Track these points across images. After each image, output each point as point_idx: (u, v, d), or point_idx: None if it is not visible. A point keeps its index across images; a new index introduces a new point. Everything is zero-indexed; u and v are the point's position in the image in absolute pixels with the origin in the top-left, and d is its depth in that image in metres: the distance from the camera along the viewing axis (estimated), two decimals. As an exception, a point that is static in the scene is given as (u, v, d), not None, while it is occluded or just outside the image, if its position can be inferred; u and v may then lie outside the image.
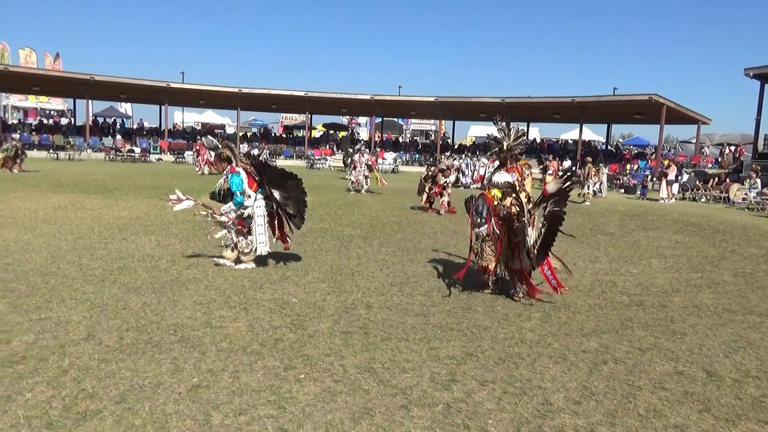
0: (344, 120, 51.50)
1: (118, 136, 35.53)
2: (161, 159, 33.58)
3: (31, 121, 41.80)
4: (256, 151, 19.54)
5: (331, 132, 45.35)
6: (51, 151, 31.00)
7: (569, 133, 45.63)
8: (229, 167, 6.94)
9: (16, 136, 27.59)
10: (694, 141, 33.49)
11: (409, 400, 3.55)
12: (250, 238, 6.94)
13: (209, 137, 8.09)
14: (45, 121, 40.83)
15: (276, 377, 3.81)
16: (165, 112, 36.93)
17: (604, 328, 5.20)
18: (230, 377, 3.77)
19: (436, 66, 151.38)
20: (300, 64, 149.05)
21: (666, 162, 23.26)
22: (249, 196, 6.86)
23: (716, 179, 23.62)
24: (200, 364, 3.96)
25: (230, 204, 6.86)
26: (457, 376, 3.96)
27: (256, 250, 6.93)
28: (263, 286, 6.17)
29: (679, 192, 22.41)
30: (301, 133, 44.33)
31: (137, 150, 33.55)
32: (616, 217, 14.81)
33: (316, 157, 35.32)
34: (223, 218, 6.96)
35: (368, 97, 35.84)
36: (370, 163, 18.85)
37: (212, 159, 7.21)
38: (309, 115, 40.30)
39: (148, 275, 6.38)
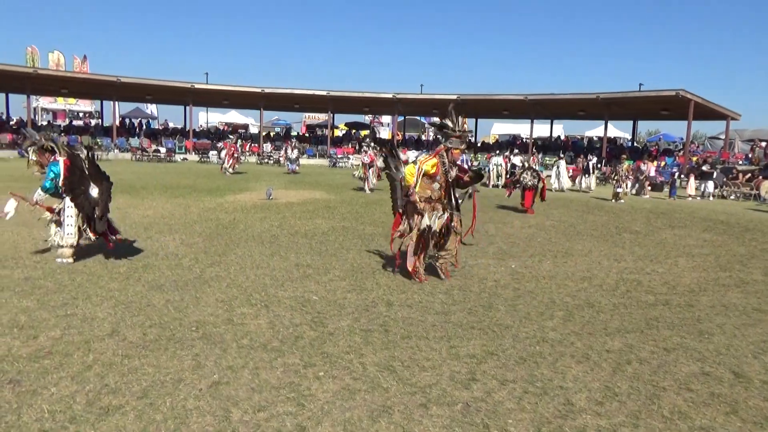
0: (367, 119, 51.57)
1: (144, 137, 36.09)
2: (186, 159, 34.03)
3: (60, 122, 42.74)
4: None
5: (353, 131, 45.44)
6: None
7: (594, 130, 44.99)
8: (52, 157, 6.96)
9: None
10: (723, 137, 32.74)
11: (429, 398, 3.53)
12: (65, 230, 6.90)
13: (30, 130, 8.16)
14: (74, 123, 41.66)
15: (295, 374, 3.82)
16: (189, 113, 37.40)
17: (629, 328, 5.11)
18: (250, 374, 3.79)
19: (458, 64, 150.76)
20: (322, 64, 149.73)
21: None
22: (60, 187, 6.83)
23: (746, 176, 23.04)
24: (221, 361, 3.99)
25: (38, 189, 6.92)
26: (477, 375, 3.93)
27: (72, 244, 6.89)
28: (284, 283, 6.21)
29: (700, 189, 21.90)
30: (323, 132, 44.50)
31: (163, 150, 34.05)
32: (641, 215, 14.55)
33: (339, 156, 35.42)
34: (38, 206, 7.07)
35: (390, 96, 35.79)
36: (368, 160, 18.51)
37: (33, 154, 7.15)
38: (331, 114, 40.43)
39: (171, 273, 6.47)
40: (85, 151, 7.19)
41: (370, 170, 18.29)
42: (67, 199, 6.90)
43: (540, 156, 29.78)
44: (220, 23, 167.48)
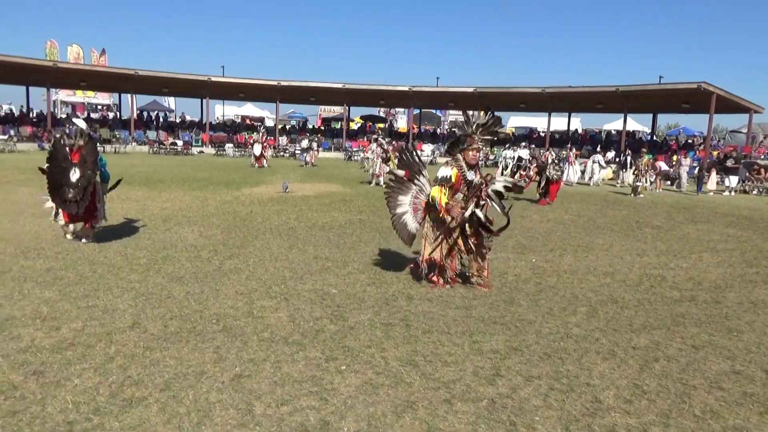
0: (382, 112, 51.40)
1: (161, 130, 36.33)
2: (203, 151, 34.18)
3: (79, 115, 43.14)
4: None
5: (369, 124, 45.33)
6: (98, 144, 31.91)
7: (612, 123, 44.42)
8: None
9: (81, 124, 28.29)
10: (745, 131, 32.13)
11: (453, 394, 3.48)
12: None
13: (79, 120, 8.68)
14: (92, 115, 42.05)
15: (317, 368, 3.79)
16: (206, 106, 37.56)
17: (654, 324, 5.01)
18: (272, 367, 3.77)
19: (475, 56, 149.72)
20: (338, 57, 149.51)
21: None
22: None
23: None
24: (242, 354, 3.97)
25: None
26: (502, 370, 3.86)
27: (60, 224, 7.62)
28: (303, 276, 6.18)
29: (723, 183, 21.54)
30: (339, 125, 44.46)
31: (180, 143, 34.21)
32: (662, 209, 14.32)
33: (354, 149, 35.36)
34: None
35: (406, 89, 35.58)
36: (381, 152, 18.31)
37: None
38: (347, 108, 40.35)
39: (191, 265, 6.47)
40: (85, 138, 7.58)
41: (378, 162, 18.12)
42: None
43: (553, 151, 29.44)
44: (237, 17, 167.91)
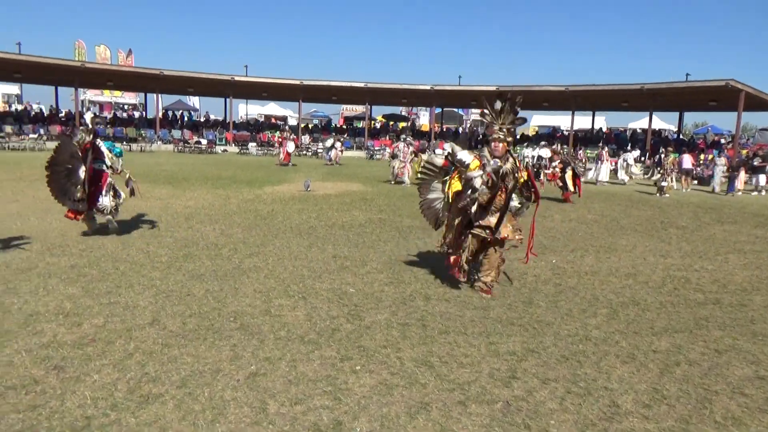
0: (403, 111, 51.32)
1: (186, 129, 36.82)
2: (226, 150, 34.54)
3: (106, 114, 43.96)
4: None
5: (391, 123, 45.31)
6: (124, 143, 32.47)
7: (638, 121, 43.67)
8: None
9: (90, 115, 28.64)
10: (776, 129, 31.31)
11: (467, 396, 3.45)
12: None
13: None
14: (119, 115, 42.80)
15: (332, 368, 3.80)
16: (230, 105, 37.94)
17: (677, 327, 4.91)
18: (287, 366, 3.78)
19: (497, 55, 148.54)
20: (360, 56, 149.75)
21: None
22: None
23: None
24: (258, 352, 4.00)
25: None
26: (518, 372, 3.82)
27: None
28: (322, 275, 6.20)
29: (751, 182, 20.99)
30: (361, 124, 44.53)
31: (204, 141, 34.63)
32: (688, 209, 14.04)
33: (376, 148, 35.39)
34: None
35: (428, 88, 35.47)
36: (409, 152, 18.32)
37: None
38: (369, 106, 40.40)
39: (211, 263, 6.54)
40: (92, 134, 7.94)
41: (396, 162, 18.18)
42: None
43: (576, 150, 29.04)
44: (260, 17, 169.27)
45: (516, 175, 5.53)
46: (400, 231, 9.19)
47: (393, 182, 17.72)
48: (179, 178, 16.60)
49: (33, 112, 35.76)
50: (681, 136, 37.83)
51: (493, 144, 5.49)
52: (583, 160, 19.42)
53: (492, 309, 5.21)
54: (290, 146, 24.82)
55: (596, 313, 5.22)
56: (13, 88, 46.71)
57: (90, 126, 8.08)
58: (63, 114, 36.09)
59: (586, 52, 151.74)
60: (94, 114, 32.20)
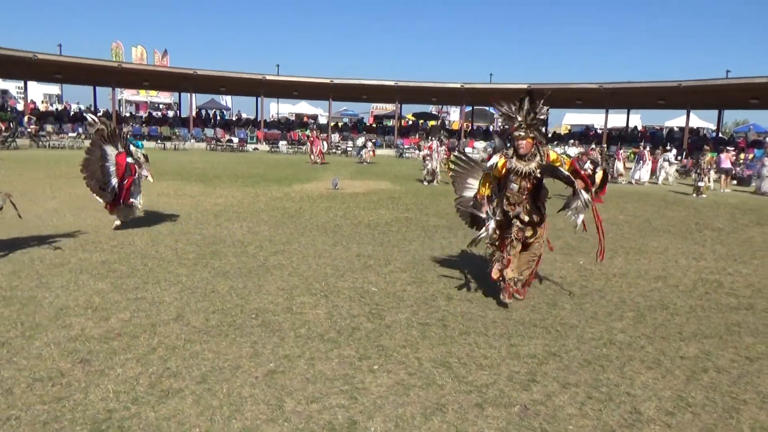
0: (433, 109, 51.12)
1: (218, 127, 37.42)
2: (257, 148, 34.99)
3: (142, 113, 44.99)
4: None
5: (421, 121, 45.19)
6: (159, 141, 33.21)
7: (675, 120, 42.55)
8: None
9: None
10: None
11: (485, 398, 3.42)
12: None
13: (90, 117, 9.75)
14: (154, 114, 43.76)
15: (350, 366, 3.80)
16: (261, 104, 38.46)
17: (707, 333, 4.76)
18: (306, 364, 3.81)
19: (530, 52, 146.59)
20: (390, 54, 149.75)
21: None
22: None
23: None
24: (278, 350, 4.03)
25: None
26: (538, 376, 3.76)
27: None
28: (345, 274, 6.22)
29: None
30: (390, 123, 44.54)
31: (235, 140, 35.17)
32: (725, 210, 13.62)
33: (405, 147, 35.36)
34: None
35: (458, 86, 35.29)
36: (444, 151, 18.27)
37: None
38: (399, 105, 40.38)
39: (236, 260, 6.62)
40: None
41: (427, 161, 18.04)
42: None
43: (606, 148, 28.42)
44: (291, 16, 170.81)
45: (534, 173, 5.30)
46: (426, 230, 9.16)
47: (433, 181, 17.56)
48: (210, 176, 16.88)
49: (72, 112, 36.86)
50: (720, 135, 36.72)
51: (516, 142, 5.33)
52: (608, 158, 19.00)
53: (515, 310, 5.15)
54: (325, 145, 25.37)
55: (622, 317, 5.11)
56: (53, 89, 48.29)
57: (100, 123, 8.36)
58: (101, 113, 37.05)
59: (621, 49, 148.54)
60: (102, 112, 33.59)
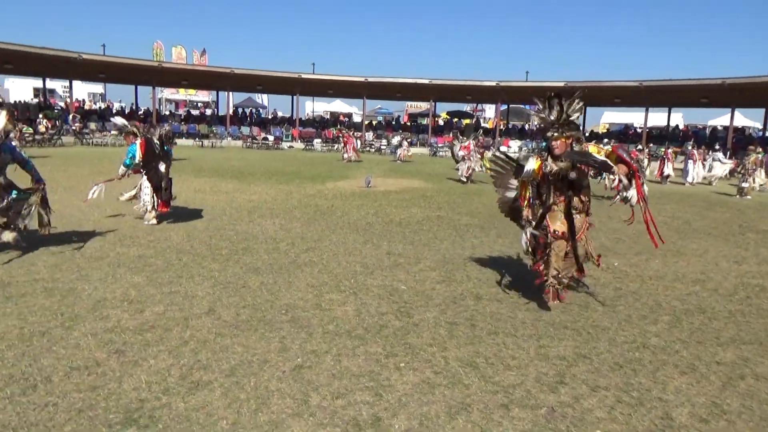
0: (468, 108, 50.75)
1: (254, 125, 37.98)
2: (292, 146, 35.35)
3: (181, 112, 46.00)
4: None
5: (455, 119, 44.91)
6: (197, 139, 33.91)
7: (719, 118, 41.22)
8: (135, 140, 8.40)
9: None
10: None
11: (511, 399, 3.38)
12: (143, 199, 8.49)
13: (117, 118, 10.05)
14: (192, 112, 44.69)
15: (376, 363, 3.82)
16: (296, 102, 38.83)
17: (746, 338, 4.60)
18: (332, 360, 3.84)
19: (566, 49, 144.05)
20: (425, 52, 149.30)
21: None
22: (138, 163, 8.39)
23: None
24: (306, 345, 4.07)
25: (121, 166, 8.61)
26: (566, 378, 3.70)
27: (149, 209, 8.44)
28: (374, 272, 6.24)
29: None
30: (425, 121, 44.41)
31: (270, 138, 35.64)
32: (771, 213, 13.13)
33: (439, 145, 35.22)
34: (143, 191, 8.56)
35: (493, 84, 34.94)
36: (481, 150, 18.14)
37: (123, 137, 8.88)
38: (433, 103, 40.24)
39: (268, 257, 6.72)
40: (157, 135, 8.66)
41: (464, 161, 17.77)
42: (144, 176, 8.42)
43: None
44: (327, 15, 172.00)
45: (569, 172, 5.14)
46: (457, 229, 9.11)
47: (467, 182, 17.27)
48: (245, 173, 17.14)
49: (115, 110, 37.93)
50: (767, 134, 35.38)
51: (550, 143, 5.24)
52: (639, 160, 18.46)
53: (545, 312, 5.08)
54: (358, 143, 25.61)
55: (657, 320, 4.98)
56: (97, 88, 49.86)
57: (131, 127, 8.75)
58: (142, 112, 38.04)
59: (661, 46, 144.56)
60: (143, 111, 34.89)
